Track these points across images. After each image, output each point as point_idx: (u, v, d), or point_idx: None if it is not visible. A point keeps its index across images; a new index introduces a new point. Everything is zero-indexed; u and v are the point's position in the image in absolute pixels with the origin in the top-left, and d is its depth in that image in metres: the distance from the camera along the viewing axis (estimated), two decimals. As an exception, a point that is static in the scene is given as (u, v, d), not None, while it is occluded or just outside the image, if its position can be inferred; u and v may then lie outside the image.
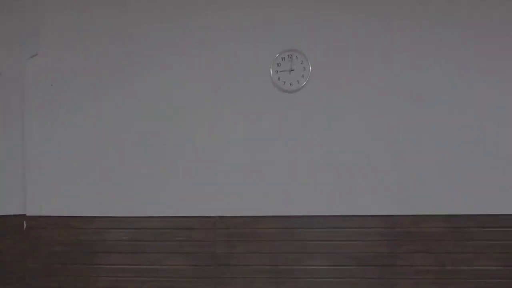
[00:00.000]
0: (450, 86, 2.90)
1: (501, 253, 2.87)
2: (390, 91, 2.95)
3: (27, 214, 3.08)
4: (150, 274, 3.06)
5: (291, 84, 2.94)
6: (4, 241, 3.12)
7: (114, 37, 3.09)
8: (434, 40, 2.89)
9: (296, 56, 2.93)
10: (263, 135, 3.01)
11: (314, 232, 2.98)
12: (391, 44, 2.93)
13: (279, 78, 2.94)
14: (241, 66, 3.01)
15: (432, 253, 2.91)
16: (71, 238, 3.10)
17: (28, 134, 3.09)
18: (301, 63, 2.93)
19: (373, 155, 2.94)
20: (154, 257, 3.05)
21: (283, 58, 2.95)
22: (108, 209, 3.05)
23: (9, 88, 3.12)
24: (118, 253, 3.07)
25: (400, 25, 2.92)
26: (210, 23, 3.02)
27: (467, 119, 2.90)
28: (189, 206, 3.02)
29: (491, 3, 2.87)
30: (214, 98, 3.03)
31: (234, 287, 3.02)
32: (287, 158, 3.00)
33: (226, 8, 3.03)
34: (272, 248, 3.00)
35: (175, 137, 3.07)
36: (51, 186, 3.10)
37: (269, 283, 3.00)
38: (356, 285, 2.95)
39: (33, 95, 3.09)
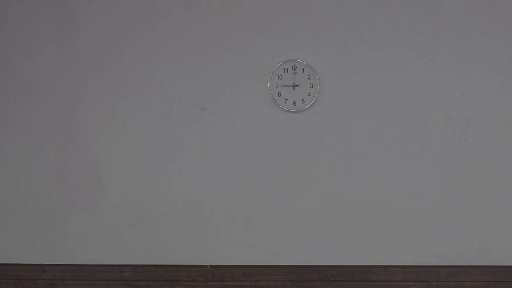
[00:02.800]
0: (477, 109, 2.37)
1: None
2: (425, 116, 2.39)
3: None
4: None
5: (294, 103, 2.33)
6: None
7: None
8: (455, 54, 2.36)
9: (302, 69, 2.33)
10: (260, 160, 2.41)
11: (329, 285, 2.40)
12: (432, 63, 2.37)
13: (279, 94, 2.34)
14: (233, 79, 2.39)
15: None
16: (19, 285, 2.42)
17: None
18: (308, 78, 2.33)
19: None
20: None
21: (285, 70, 2.34)
22: (65, 255, 2.37)
23: None
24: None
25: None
26: (198, 25, 2.40)
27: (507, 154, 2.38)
28: (173, 252, 2.39)
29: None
30: (201, 119, 2.41)
31: None
32: (291, 194, 2.42)
33: (219, 8, 2.40)
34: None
35: (155, 164, 2.42)
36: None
37: None
38: None
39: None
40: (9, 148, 2.43)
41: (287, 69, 2.38)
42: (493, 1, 2.37)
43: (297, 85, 2.37)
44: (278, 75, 2.38)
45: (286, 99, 2.38)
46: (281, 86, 2.38)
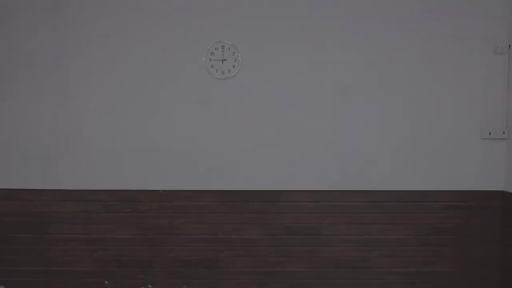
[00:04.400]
0: (371, 84, 3.25)
1: (411, 223, 3.28)
2: (318, 83, 3.26)
3: (-20, 187, 3.26)
4: (99, 243, 3.31)
5: (222, 73, 3.21)
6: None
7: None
8: (362, 36, 3.23)
9: (228, 48, 3.20)
10: (197, 116, 3.27)
11: (249, 205, 3.29)
12: (325, 38, 3.23)
13: (212, 66, 3.21)
14: (178, 53, 3.24)
15: (352, 224, 3.29)
16: (22, 210, 3.30)
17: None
18: (233, 54, 3.20)
19: (299, 136, 3.27)
20: (103, 227, 3.30)
21: (216, 48, 3.21)
22: (57, 183, 3.25)
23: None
24: (68, 224, 3.29)
25: (335, 20, 3.23)
26: (148, 11, 3.24)
27: (380, 111, 3.26)
28: (135, 180, 3.27)
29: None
30: (154, 83, 3.26)
31: (176, 255, 3.31)
32: (220, 138, 3.28)
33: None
34: (212, 219, 3.30)
35: (122, 117, 3.28)
36: (3, 158, 3.29)
37: (209, 251, 3.31)
38: (286, 252, 3.30)
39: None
40: (15, 106, 3.27)
41: (217, 48, 3.24)
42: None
43: (225, 60, 3.24)
44: (211, 52, 3.24)
45: (217, 70, 3.25)
46: (213, 60, 3.24)
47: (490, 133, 3.23)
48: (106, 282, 3.31)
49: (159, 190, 3.28)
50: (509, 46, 3.18)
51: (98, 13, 3.25)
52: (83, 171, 3.28)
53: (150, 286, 3.32)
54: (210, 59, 3.23)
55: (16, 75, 3.27)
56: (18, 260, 3.30)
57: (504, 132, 3.22)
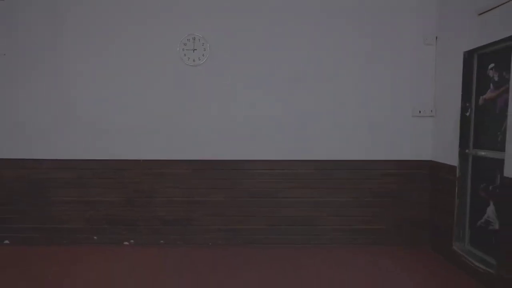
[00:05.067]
0: (320, 70, 3.82)
1: (354, 188, 3.88)
2: (271, 69, 3.83)
3: (-11, 157, 3.87)
4: (90, 205, 3.92)
5: (194, 60, 3.79)
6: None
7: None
8: (316, 31, 3.79)
9: (199, 40, 3.77)
10: (172, 97, 3.85)
11: (217, 172, 3.89)
12: (284, 32, 3.79)
13: (185, 55, 3.78)
14: (156, 44, 3.81)
15: (304, 188, 3.89)
16: (25, 177, 3.90)
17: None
18: (202, 45, 3.77)
19: (256, 113, 3.85)
20: (93, 191, 3.91)
21: (188, 40, 3.78)
22: (55, 152, 3.86)
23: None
24: (64, 188, 3.90)
25: (288, 17, 3.79)
26: (132, 9, 3.80)
27: (329, 92, 3.83)
28: (121, 151, 3.87)
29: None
30: (135, 68, 3.83)
31: (156, 214, 3.91)
32: (191, 115, 3.87)
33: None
34: (186, 184, 3.89)
35: (107, 98, 3.86)
36: (9, 132, 3.88)
37: (184, 211, 3.92)
38: (248, 212, 3.90)
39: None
40: (20, 90, 3.85)
41: (189, 39, 3.81)
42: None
43: (196, 49, 3.81)
44: (184, 43, 3.81)
45: (189, 58, 3.82)
46: (186, 50, 3.81)
47: (420, 112, 3.81)
48: (95, 237, 3.93)
49: (140, 160, 3.87)
50: (436, 38, 3.75)
51: (91, 12, 3.81)
52: (76, 144, 3.87)
53: (132, 240, 3.93)
54: (183, 49, 3.81)
55: (22, 63, 3.84)
56: (21, 219, 3.91)
57: (431, 111, 3.80)
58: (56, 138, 3.88)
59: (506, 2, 2.71)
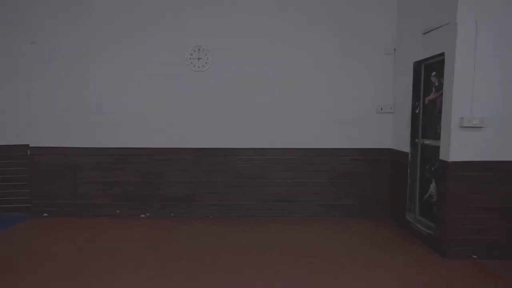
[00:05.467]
0: (302, 74, 4.64)
1: (328, 171, 4.73)
2: (261, 75, 4.65)
3: (30, 145, 4.67)
4: (111, 185, 4.74)
5: (198, 67, 4.60)
6: (13, 162, 4.72)
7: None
8: (294, 44, 4.60)
9: (203, 50, 4.58)
10: (181, 97, 4.66)
11: (216, 158, 4.73)
12: (271, 44, 4.60)
13: (191, 63, 4.59)
14: (168, 53, 4.61)
15: (292, 173, 4.73)
16: (61, 161, 4.72)
17: (34, 90, 4.64)
18: (206, 54, 4.58)
19: (253, 107, 4.68)
20: (113, 173, 4.73)
21: (194, 50, 4.59)
22: (85, 141, 4.67)
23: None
24: (89, 171, 4.72)
25: (280, 29, 4.60)
26: (145, 22, 4.60)
27: (309, 93, 4.65)
28: (136, 140, 4.69)
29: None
30: (149, 73, 4.64)
31: (166, 192, 4.75)
32: (194, 111, 4.68)
33: (159, 8, 4.61)
34: (189, 168, 4.73)
35: (125, 95, 4.67)
36: (46, 124, 4.68)
37: (189, 189, 4.75)
38: (241, 190, 4.75)
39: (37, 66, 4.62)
40: (50, 88, 4.65)
41: (195, 50, 4.61)
42: None
43: (200, 58, 4.62)
44: (191, 53, 4.61)
45: (195, 65, 4.62)
46: (192, 58, 4.62)
47: (382, 109, 4.66)
48: (117, 211, 4.77)
49: (152, 148, 4.70)
50: (394, 49, 4.57)
51: (115, 24, 4.61)
52: (98, 134, 4.69)
53: (148, 213, 4.78)
54: (190, 58, 4.61)
55: (52, 65, 4.64)
56: (56, 196, 4.73)
57: (391, 108, 4.64)
58: (82, 129, 4.68)
59: (439, 27, 3.54)
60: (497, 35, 3.26)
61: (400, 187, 4.44)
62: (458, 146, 3.36)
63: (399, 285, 2.96)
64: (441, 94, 3.66)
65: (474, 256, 3.45)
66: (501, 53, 3.28)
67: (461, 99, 3.32)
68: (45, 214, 4.76)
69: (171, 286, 2.89)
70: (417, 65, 4.11)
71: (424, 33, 3.85)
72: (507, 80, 3.31)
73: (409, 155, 4.25)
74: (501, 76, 3.30)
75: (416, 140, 4.20)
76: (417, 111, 4.17)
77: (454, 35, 3.31)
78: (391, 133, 4.68)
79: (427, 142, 4.02)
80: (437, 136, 3.81)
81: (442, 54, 3.55)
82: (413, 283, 2.98)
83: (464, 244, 3.44)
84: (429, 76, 4.00)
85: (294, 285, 2.91)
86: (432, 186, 3.96)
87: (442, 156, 3.52)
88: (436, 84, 3.86)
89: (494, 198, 3.39)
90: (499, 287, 2.93)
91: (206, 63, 4.60)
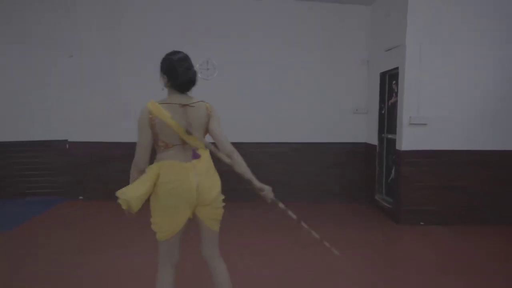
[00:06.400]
0: (293, 81, 5.69)
1: (316, 161, 5.77)
2: (259, 82, 5.69)
3: (68, 140, 5.72)
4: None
5: (207, 76, 5.66)
6: (52, 156, 5.76)
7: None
8: (286, 57, 5.65)
9: (211, 62, 5.64)
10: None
11: (222, 151, 5.77)
12: (266, 56, 5.65)
13: (201, 73, 5.66)
14: None
15: (284, 163, 5.77)
16: (93, 153, 5.76)
17: (72, 94, 5.68)
18: (213, 66, 5.64)
19: (256, 108, 5.73)
20: (138, 164, 5.76)
21: (203, 62, 5.65)
22: (114, 136, 5.72)
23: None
24: (118, 161, 5.75)
25: (276, 45, 5.65)
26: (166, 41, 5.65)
27: (298, 96, 5.70)
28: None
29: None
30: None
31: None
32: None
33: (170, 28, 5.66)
34: (201, 159, 5.77)
35: (151, 97, 5.70)
36: (81, 122, 5.72)
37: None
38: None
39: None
40: (90, 93, 5.70)
41: (205, 62, 5.66)
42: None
43: (209, 68, 5.67)
44: (201, 64, 5.67)
45: (203, 74, 5.68)
46: (202, 69, 5.67)
47: (357, 110, 5.71)
48: (140, 194, 5.80)
49: (170, 142, 5.73)
50: (367, 61, 5.63)
51: (136, 43, 5.66)
52: (127, 131, 5.72)
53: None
54: (200, 69, 5.67)
55: (86, 74, 5.68)
56: (90, 182, 5.77)
57: (365, 110, 5.70)
58: (113, 127, 5.72)
59: (395, 47, 4.60)
60: (435, 55, 4.32)
61: (371, 174, 5.49)
62: (408, 139, 4.41)
63: (360, 238, 4.02)
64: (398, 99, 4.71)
65: (421, 223, 4.51)
66: (438, 68, 4.34)
67: (410, 102, 4.38)
68: (81, 197, 5.80)
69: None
70: (382, 75, 5.17)
71: (386, 51, 4.91)
72: (443, 88, 4.37)
73: (377, 148, 5.30)
74: (439, 85, 4.36)
75: (382, 135, 5.26)
76: (383, 111, 5.23)
77: (404, 54, 4.36)
78: (364, 129, 5.74)
79: (390, 136, 5.07)
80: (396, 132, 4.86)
81: (397, 67, 4.60)
82: (372, 239, 4.04)
83: (413, 213, 4.49)
84: (391, 84, 5.05)
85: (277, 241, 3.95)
86: (393, 171, 5.02)
87: (397, 147, 4.58)
88: (396, 90, 4.92)
89: (435, 178, 4.44)
90: (436, 243, 3.98)
91: (214, 72, 5.65)
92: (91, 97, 5.71)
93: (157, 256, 2.09)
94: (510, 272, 3.27)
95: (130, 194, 1.88)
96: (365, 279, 3.13)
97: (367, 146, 5.69)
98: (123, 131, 5.67)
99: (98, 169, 5.77)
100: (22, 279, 3.06)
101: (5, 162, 5.75)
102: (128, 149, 5.61)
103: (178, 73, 2.00)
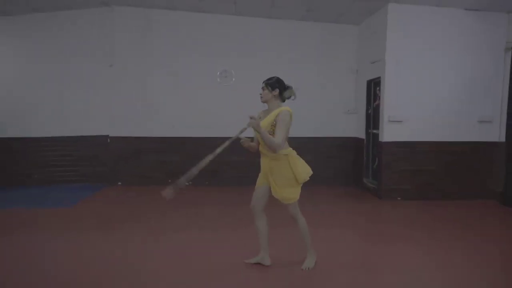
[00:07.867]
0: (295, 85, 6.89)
1: (315, 152, 6.99)
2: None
3: (109, 135, 6.86)
4: (164, 164, 6.92)
5: (226, 82, 6.85)
6: (95, 149, 6.89)
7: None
8: (292, 64, 6.86)
9: (229, 71, 6.82)
10: (214, 103, 6.87)
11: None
12: (276, 65, 6.84)
13: (220, 79, 6.84)
14: (205, 72, 6.84)
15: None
16: (129, 146, 6.90)
17: (112, 97, 6.82)
18: (231, 74, 6.83)
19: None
20: (164, 155, 6.92)
21: (223, 71, 6.83)
22: (146, 132, 6.86)
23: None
24: (149, 153, 6.91)
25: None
26: (193, 53, 6.82)
27: (303, 99, 6.91)
28: (181, 132, 6.89)
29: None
30: (193, 89, 6.86)
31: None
32: (223, 112, 6.90)
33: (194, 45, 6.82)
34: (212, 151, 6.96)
35: (179, 102, 6.87)
36: (120, 121, 6.86)
37: (213, 166, 6.97)
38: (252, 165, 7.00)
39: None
40: (123, 95, 6.83)
41: (224, 71, 6.84)
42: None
43: (226, 76, 6.85)
44: (220, 73, 6.84)
45: (223, 81, 6.85)
46: (221, 77, 6.85)
47: (348, 110, 6.95)
48: (169, 180, 6.97)
49: (191, 137, 6.91)
50: (357, 70, 6.87)
51: (167, 56, 6.82)
52: (156, 129, 6.88)
53: (190, 182, 6.98)
54: (219, 76, 6.85)
55: (124, 80, 6.82)
56: (126, 171, 6.90)
57: (355, 110, 6.94)
58: (144, 126, 6.86)
59: (377, 61, 5.85)
60: (409, 67, 5.58)
61: (359, 162, 6.73)
62: (388, 133, 5.66)
63: (348, 210, 5.26)
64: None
65: (398, 198, 5.76)
66: (412, 77, 5.59)
67: (389, 104, 5.62)
68: (119, 183, 6.93)
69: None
70: (369, 83, 6.41)
71: (371, 63, 6.15)
72: (415, 93, 5.63)
73: (365, 141, 6.54)
74: (412, 91, 5.62)
75: (369, 130, 6.50)
76: (369, 112, 6.47)
77: (384, 67, 5.61)
78: (354, 126, 6.97)
79: (374, 131, 6.32)
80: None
81: (380, 77, 5.85)
82: (358, 209, 5.28)
83: (392, 191, 5.74)
84: (375, 89, 6.30)
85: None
86: (377, 159, 6.26)
87: (380, 139, 5.82)
88: (379, 94, 6.16)
89: (409, 163, 5.70)
90: (409, 214, 5.23)
91: (231, 79, 6.84)
92: (128, 98, 6.85)
93: (294, 212, 3.22)
94: (463, 234, 4.52)
95: (309, 170, 3.21)
96: (353, 233, 4.35)
97: (356, 140, 6.92)
98: (152, 128, 6.86)
99: (132, 159, 6.91)
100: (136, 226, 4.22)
101: (58, 154, 6.87)
102: (156, 143, 6.82)
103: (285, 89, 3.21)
